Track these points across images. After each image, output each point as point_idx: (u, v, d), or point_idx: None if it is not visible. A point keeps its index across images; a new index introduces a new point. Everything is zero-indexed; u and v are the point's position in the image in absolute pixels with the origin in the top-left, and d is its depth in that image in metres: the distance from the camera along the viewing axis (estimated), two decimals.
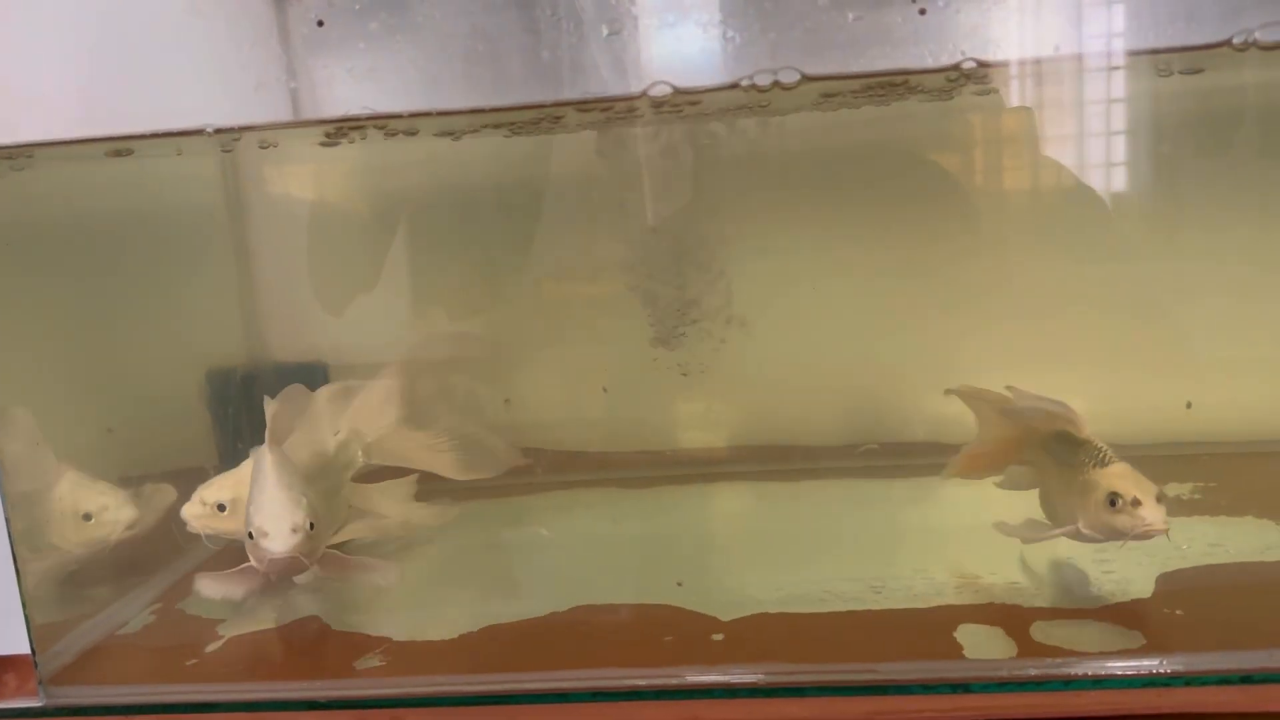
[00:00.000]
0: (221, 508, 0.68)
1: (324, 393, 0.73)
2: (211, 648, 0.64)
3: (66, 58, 0.68)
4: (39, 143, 0.62)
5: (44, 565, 0.66)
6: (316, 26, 0.56)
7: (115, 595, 0.72)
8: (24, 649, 0.60)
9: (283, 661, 0.62)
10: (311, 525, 0.60)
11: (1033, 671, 0.52)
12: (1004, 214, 0.84)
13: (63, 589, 0.70)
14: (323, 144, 0.76)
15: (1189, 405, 0.82)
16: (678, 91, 0.57)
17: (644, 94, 0.57)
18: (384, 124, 0.68)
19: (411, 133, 0.74)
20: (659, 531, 0.80)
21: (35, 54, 0.67)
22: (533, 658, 0.60)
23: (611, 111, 0.67)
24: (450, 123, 0.67)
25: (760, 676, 0.54)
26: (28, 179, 0.70)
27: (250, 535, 0.60)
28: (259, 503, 0.61)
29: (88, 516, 0.70)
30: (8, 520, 0.60)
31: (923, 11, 0.51)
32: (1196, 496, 0.74)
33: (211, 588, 0.65)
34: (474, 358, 0.90)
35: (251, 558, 0.61)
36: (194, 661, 0.63)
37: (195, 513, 0.69)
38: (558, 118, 0.70)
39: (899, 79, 0.61)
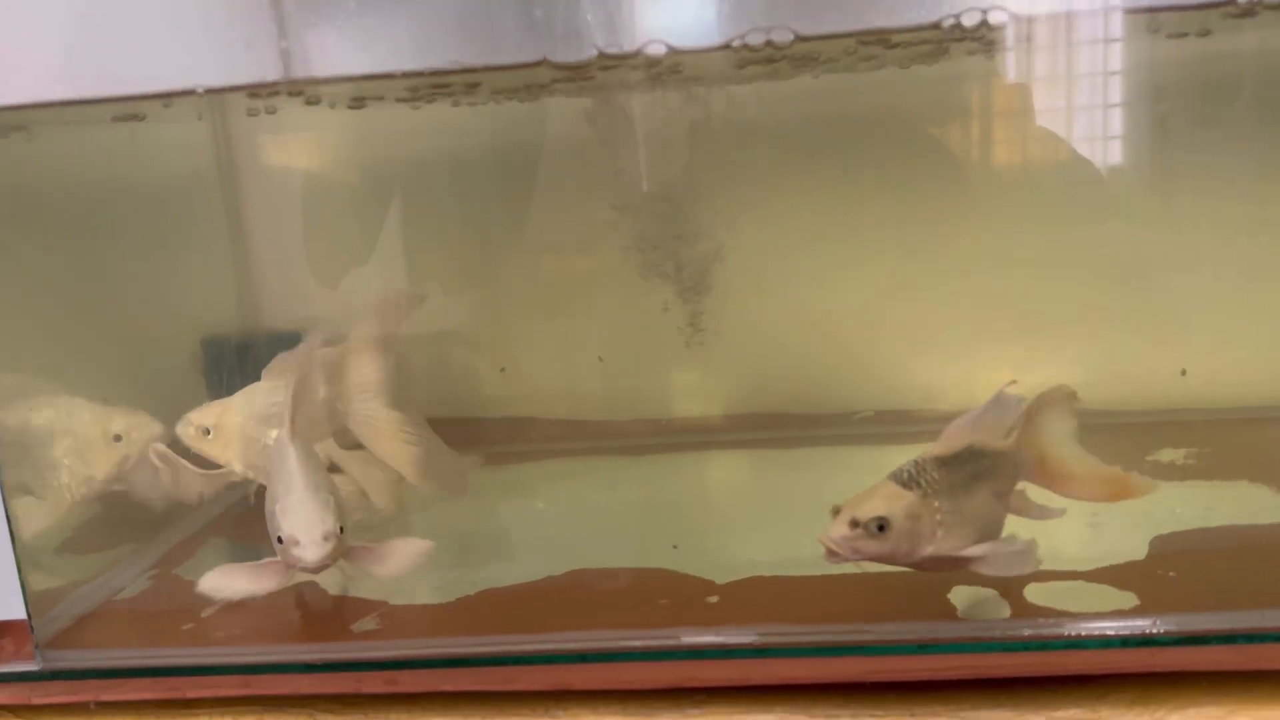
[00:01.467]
0: (206, 432, 0.69)
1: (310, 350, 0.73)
2: (208, 612, 0.64)
3: (53, 18, 0.67)
4: (28, 104, 0.61)
5: (41, 527, 0.66)
6: None
7: (114, 558, 0.72)
8: (20, 614, 0.60)
9: (279, 625, 0.63)
10: (341, 529, 0.58)
11: (1027, 631, 0.53)
12: (999, 180, 0.84)
13: (61, 552, 0.70)
14: (308, 103, 0.75)
15: (1184, 372, 0.82)
16: (672, 51, 0.57)
17: (638, 52, 0.56)
18: (377, 86, 0.68)
19: (411, 99, 0.74)
20: (655, 498, 0.80)
21: (22, 15, 0.66)
22: (529, 621, 0.60)
23: (606, 71, 0.66)
24: (444, 83, 0.67)
25: (755, 638, 0.54)
26: (22, 146, 0.70)
27: (279, 540, 0.58)
28: (287, 505, 0.58)
29: (118, 437, 0.71)
30: (1, 484, 0.60)
31: None
32: (1190, 461, 0.74)
33: (223, 584, 0.62)
34: (468, 326, 0.90)
35: (281, 559, 0.59)
36: (190, 626, 0.63)
37: (184, 433, 0.70)
38: (552, 80, 0.69)
39: (895, 36, 0.61)
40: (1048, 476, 0.59)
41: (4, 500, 0.60)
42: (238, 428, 0.69)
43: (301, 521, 0.58)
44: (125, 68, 0.66)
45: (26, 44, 0.65)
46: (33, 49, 0.65)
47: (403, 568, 0.61)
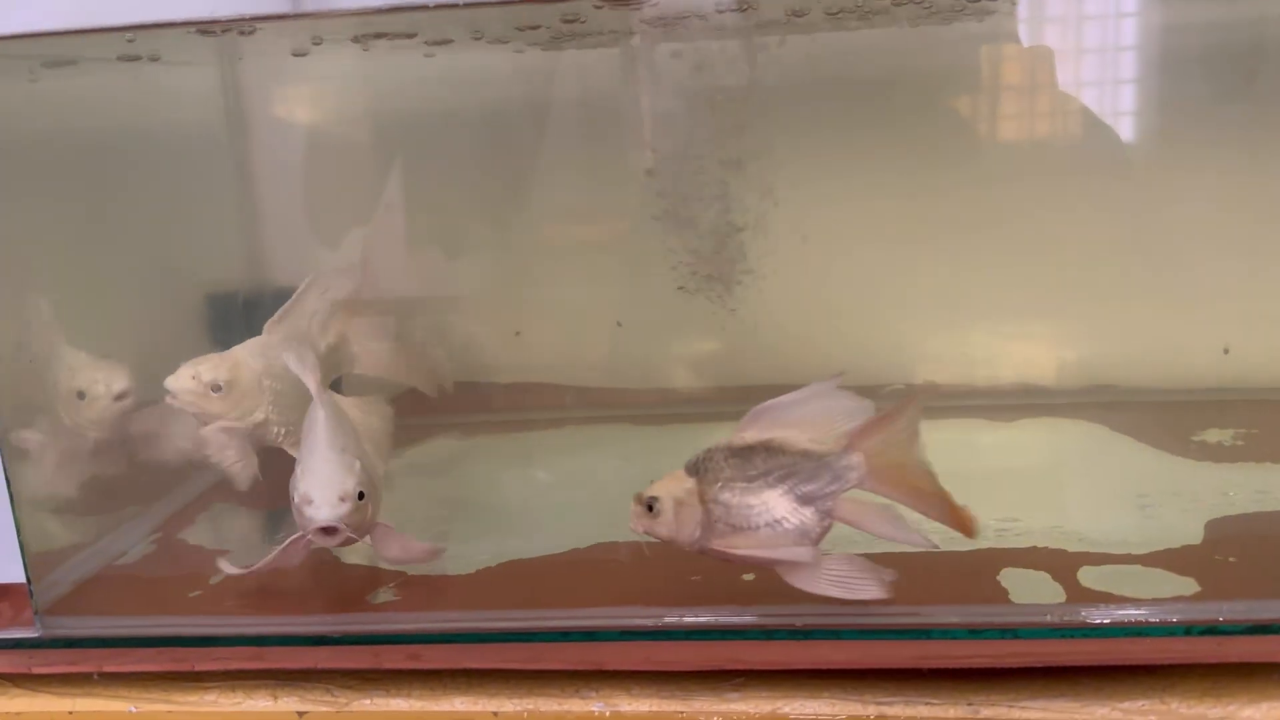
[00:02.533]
0: (217, 389, 0.63)
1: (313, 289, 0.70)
2: (216, 579, 0.61)
3: None
4: (30, 34, 0.57)
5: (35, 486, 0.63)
6: None
7: (114, 521, 0.69)
8: (19, 577, 0.57)
9: (291, 594, 0.60)
10: (362, 495, 0.54)
11: (1085, 617, 0.50)
12: (1039, 155, 0.81)
13: (59, 514, 0.67)
14: (315, 42, 0.72)
15: (1226, 351, 0.79)
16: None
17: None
18: (390, 21, 0.64)
19: (433, 42, 0.70)
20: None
21: None
22: (554, 595, 0.58)
23: (632, 15, 0.63)
24: (472, 19, 0.63)
25: (797, 618, 0.52)
26: (26, 87, 0.66)
27: (294, 500, 0.54)
28: (308, 465, 0.55)
29: (81, 394, 0.66)
30: (1, 443, 0.56)
31: None
32: (1239, 443, 0.71)
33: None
34: (482, 289, 0.87)
35: (298, 523, 0.55)
36: (197, 593, 0.60)
37: (185, 387, 0.63)
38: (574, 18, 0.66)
39: None
40: (887, 487, 0.53)
41: (3, 460, 0.56)
42: (252, 383, 0.65)
43: (318, 480, 0.54)
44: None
45: None
46: None
47: (410, 559, 0.59)
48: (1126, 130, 0.79)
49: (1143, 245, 0.79)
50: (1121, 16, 0.77)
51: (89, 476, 0.68)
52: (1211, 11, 0.76)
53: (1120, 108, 0.78)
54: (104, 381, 0.66)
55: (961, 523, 0.51)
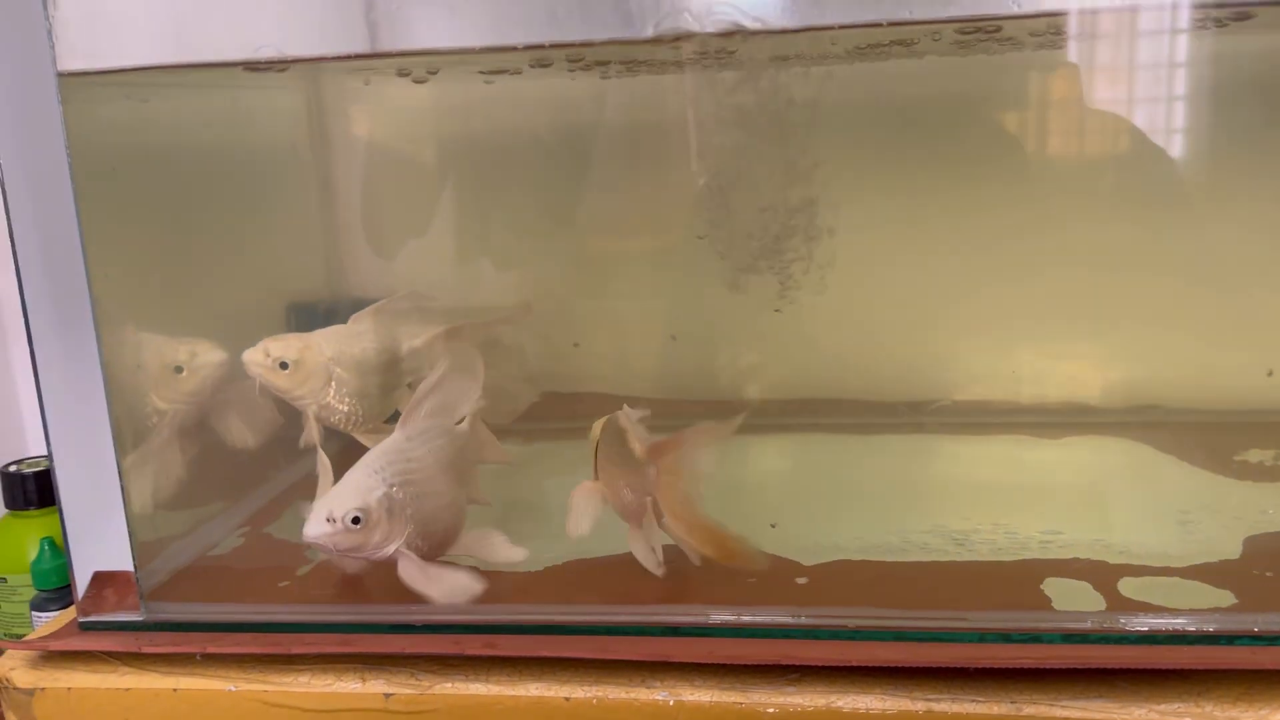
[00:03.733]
0: (284, 365, 0.67)
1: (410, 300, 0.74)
2: (303, 570, 0.66)
3: None
4: (138, 67, 0.62)
5: (145, 481, 0.67)
6: None
7: (204, 515, 0.74)
8: (127, 564, 0.62)
9: (372, 585, 0.64)
10: (357, 519, 0.56)
11: (1126, 624, 0.53)
12: (1083, 175, 0.83)
13: (156, 507, 0.71)
14: (403, 73, 0.76)
15: (1270, 374, 0.81)
16: (760, 32, 0.57)
17: (734, 32, 0.57)
18: (462, 60, 0.68)
19: (492, 71, 0.74)
20: (735, 479, 0.80)
21: None
22: (617, 592, 0.61)
23: (689, 51, 0.66)
24: (530, 58, 0.67)
25: (851, 620, 0.55)
26: (134, 108, 0.71)
27: None
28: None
29: (179, 368, 0.70)
30: (115, 437, 0.61)
31: None
32: None
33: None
34: (543, 301, 0.90)
35: None
36: (286, 583, 0.65)
37: (256, 360, 0.68)
38: (636, 59, 0.70)
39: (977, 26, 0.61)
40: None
41: (116, 450, 0.61)
42: (321, 366, 0.69)
43: (324, 495, 0.58)
44: (227, 35, 0.67)
45: (136, 9, 0.66)
46: (142, 14, 0.66)
47: (442, 595, 0.59)
48: (1177, 152, 0.80)
49: (1191, 268, 0.81)
50: (1176, 32, 0.78)
51: (191, 458, 0.72)
52: (1265, 39, 0.77)
53: (1171, 130, 0.80)
54: (200, 353, 0.70)
55: (728, 552, 0.57)
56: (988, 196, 0.83)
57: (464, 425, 0.66)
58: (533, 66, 0.72)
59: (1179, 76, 0.77)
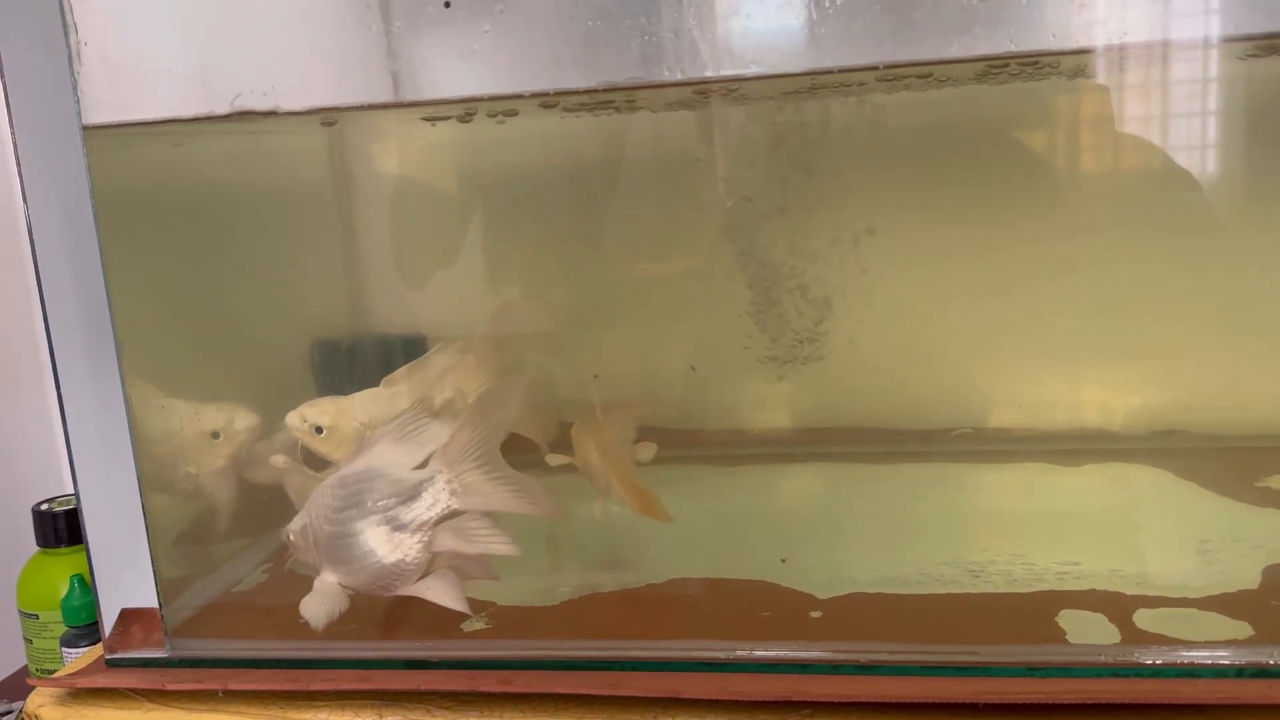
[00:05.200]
0: (319, 430, 0.70)
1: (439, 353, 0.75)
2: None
3: (185, 36, 0.70)
4: (164, 120, 0.64)
5: (170, 519, 0.69)
6: (443, 7, 0.58)
7: (229, 551, 0.75)
8: (152, 602, 0.64)
9: (392, 621, 0.65)
10: (290, 538, 0.63)
11: (1140, 657, 0.52)
12: (1105, 201, 0.83)
13: (181, 545, 0.73)
14: (425, 119, 0.78)
15: None
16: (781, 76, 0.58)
17: (755, 78, 0.58)
18: (486, 106, 0.70)
19: (510, 113, 0.75)
20: (750, 510, 0.81)
21: (160, 31, 0.70)
22: (632, 627, 0.62)
23: (714, 92, 0.67)
24: (538, 102, 0.69)
25: (864, 654, 0.55)
26: (160, 153, 0.73)
27: None
28: None
29: (215, 434, 0.72)
30: (139, 475, 0.63)
31: None
32: None
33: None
34: (563, 332, 0.91)
35: None
36: (307, 620, 0.66)
37: (294, 424, 0.71)
38: (659, 100, 0.71)
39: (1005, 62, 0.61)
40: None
41: (141, 490, 0.63)
42: (354, 431, 0.71)
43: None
44: (251, 82, 0.69)
45: (163, 60, 0.68)
46: (167, 65, 0.68)
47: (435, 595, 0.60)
48: (1204, 178, 0.80)
49: (1213, 293, 0.80)
50: (1208, 47, 0.78)
51: (218, 505, 0.74)
52: None
53: (1199, 156, 0.79)
54: (236, 419, 0.73)
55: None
56: (1006, 225, 0.83)
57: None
58: (544, 108, 0.73)
59: (1209, 101, 0.77)
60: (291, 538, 0.63)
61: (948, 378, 0.86)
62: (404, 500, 0.59)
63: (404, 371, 0.73)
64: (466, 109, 0.74)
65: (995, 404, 0.86)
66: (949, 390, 0.86)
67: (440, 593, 0.59)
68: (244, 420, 0.74)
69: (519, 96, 0.58)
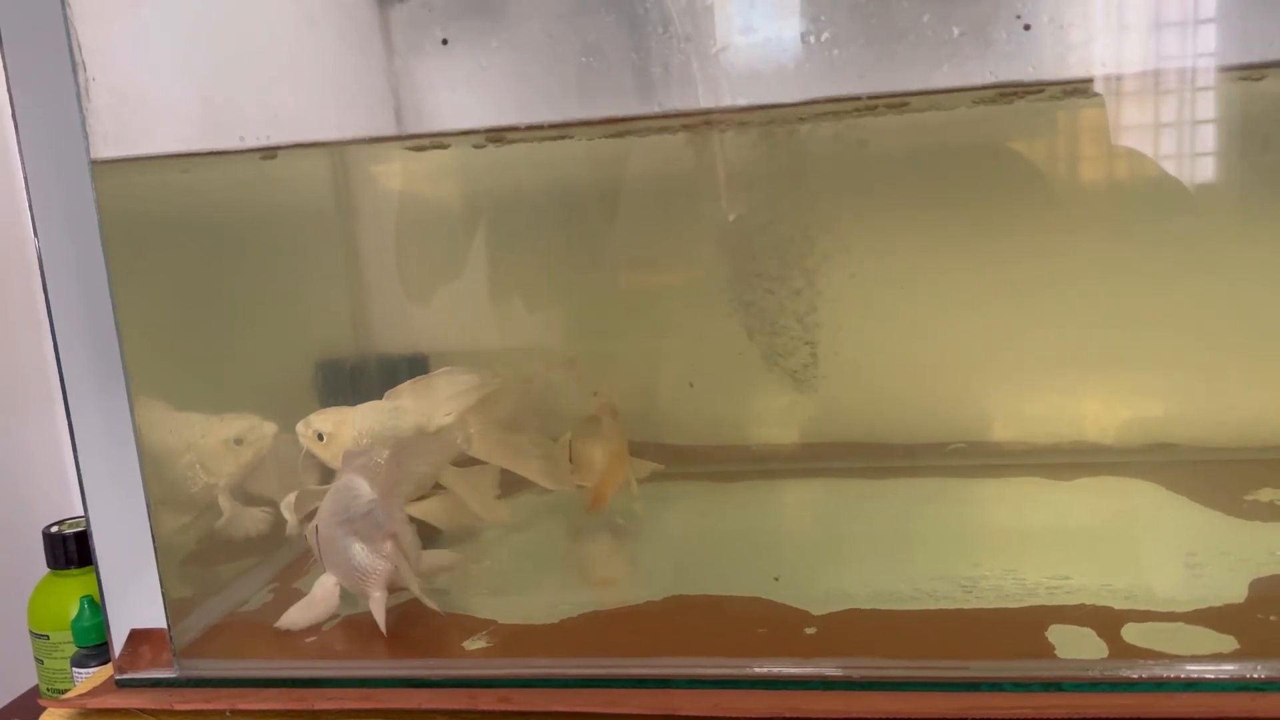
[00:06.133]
0: (320, 436, 0.74)
1: (445, 376, 0.77)
2: (328, 625, 0.68)
3: (191, 71, 0.72)
4: (175, 154, 0.66)
5: (179, 540, 0.71)
6: (441, 44, 0.59)
7: (236, 571, 0.76)
8: (160, 622, 0.65)
9: (394, 640, 0.66)
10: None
11: (1126, 672, 0.53)
12: (1100, 217, 0.84)
13: (188, 565, 0.74)
14: (427, 148, 0.79)
15: None
16: (781, 106, 0.59)
17: (756, 108, 0.59)
18: (493, 136, 0.72)
19: (505, 142, 0.77)
20: (748, 526, 0.82)
21: (166, 66, 0.71)
22: (630, 645, 0.63)
23: (712, 122, 0.69)
24: (537, 134, 0.70)
25: (856, 671, 0.56)
26: (168, 180, 0.75)
27: None
28: None
29: (239, 440, 0.76)
30: (147, 497, 0.64)
31: (1027, 27, 0.52)
32: None
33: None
34: (563, 350, 0.93)
35: None
36: (312, 639, 0.67)
37: (301, 430, 0.76)
38: (659, 129, 0.72)
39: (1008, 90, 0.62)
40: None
41: (149, 512, 0.64)
42: (350, 440, 0.73)
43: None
44: (256, 114, 0.71)
45: (171, 96, 0.70)
46: (176, 100, 0.70)
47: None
48: (1197, 192, 0.81)
49: (1205, 307, 0.81)
50: (1200, 57, 0.78)
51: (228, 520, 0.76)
52: None
53: (1192, 171, 0.80)
54: (258, 426, 0.76)
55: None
56: (1000, 240, 0.85)
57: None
58: (545, 140, 0.75)
59: (1204, 119, 0.77)
60: (309, 536, 0.70)
61: (941, 393, 0.87)
62: (366, 516, 0.66)
63: (407, 386, 0.75)
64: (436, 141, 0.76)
65: (988, 419, 0.87)
66: (942, 405, 0.87)
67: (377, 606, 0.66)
68: (266, 426, 0.78)
69: (514, 128, 0.60)
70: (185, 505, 0.75)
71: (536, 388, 0.82)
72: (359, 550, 0.66)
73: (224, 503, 0.76)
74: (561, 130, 0.67)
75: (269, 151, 0.70)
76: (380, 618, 0.64)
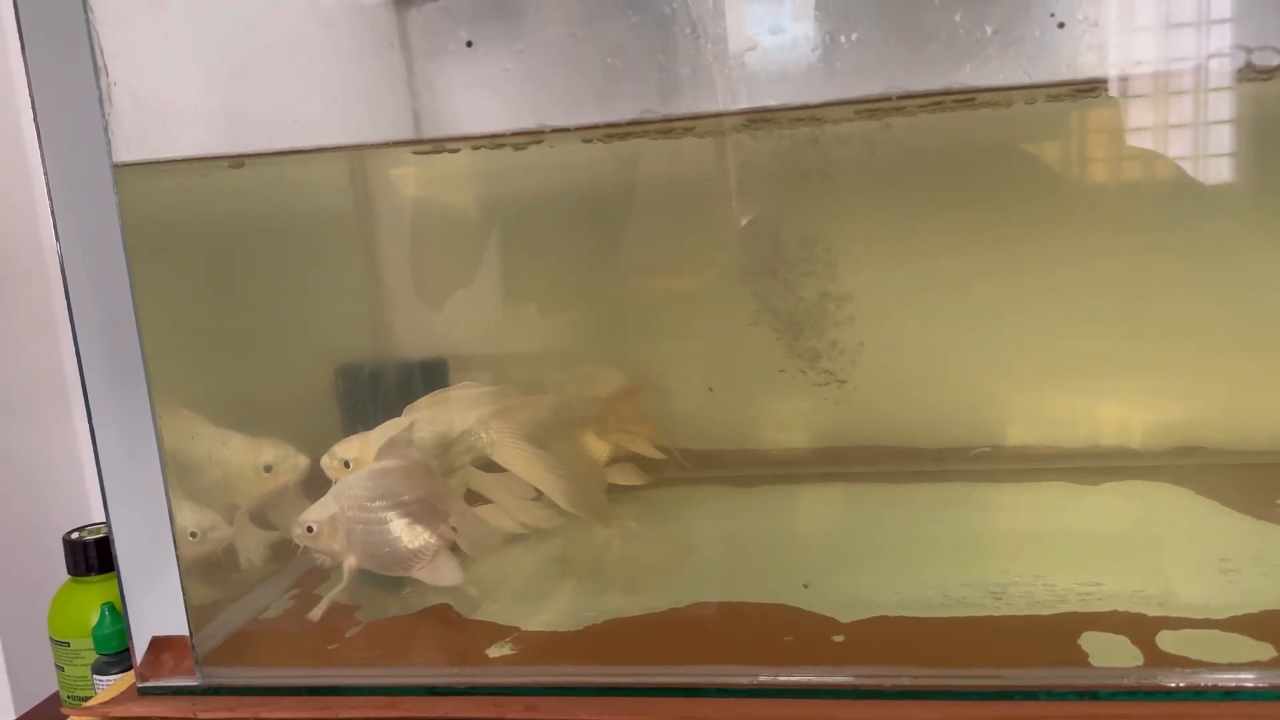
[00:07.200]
0: (346, 464, 0.74)
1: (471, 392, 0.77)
2: (351, 632, 0.68)
3: (210, 75, 0.72)
4: (194, 158, 0.66)
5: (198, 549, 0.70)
6: (465, 47, 0.59)
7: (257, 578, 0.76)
8: (182, 630, 0.64)
9: (418, 647, 0.65)
10: (310, 529, 0.69)
11: (1163, 680, 0.53)
12: (1122, 217, 0.83)
13: (210, 572, 0.74)
14: (447, 152, 0.79)
15: None
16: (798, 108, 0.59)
17: (777, 109, 0.58)
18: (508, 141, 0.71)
19: (526, 145, 0.77)
20: (771, 531, 0.81)
21: (186, 70, 0.71)
22: (656, 652, 0.62)
23: (732, 124, 0.68)
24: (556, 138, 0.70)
25: (887, 679, 0.55)
26: (190, 183, 0.74)
27: None
28: None
29: (269, 468, 0.76)
30: (170, 506, 0.64)
31: (1061, 25, 0.51)
32: None
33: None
34: (583, 355, 0.92)
35: None
36: (335, 646, 0.67)
37: (326, 463, 0.75)
38: (670, 130, 0.72)
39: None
40: None
41: (171, 520, 0.64)
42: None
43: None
44: (275, 118, 0.71)
45: (192, 100, 0.70)
46: (197, 104, 0.70)
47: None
48: (1220, 193, 0.80)
49: (1232, 309, 0.80)
50: (1216, 56, 0.77)
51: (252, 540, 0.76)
52: None
53: (1215, 172, 0.79)
54: (289, 455, 0.76)
55: None
56: (1025, 241, 0.84)
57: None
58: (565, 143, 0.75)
59: (1225, 119, 0.77)
60: (314, 528, 0.69)
61: (967, 397, 0.86)
62: (422, 501, 0.68)
63: (426, 401, 0.74)
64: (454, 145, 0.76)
65: (1015, 423, 0.86)
66: (968, 409, 0.86)
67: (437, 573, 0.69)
68: (299, 458, 0.77)
69: (540, 131, 0.59)
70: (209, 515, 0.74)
71: (573, 407, 0.82)
72: (407, 531, 0.67)
73: (238, 521, 0.75)
74: (584, 133, 0.67)
75: (288, 155, 0.69)
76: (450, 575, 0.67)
